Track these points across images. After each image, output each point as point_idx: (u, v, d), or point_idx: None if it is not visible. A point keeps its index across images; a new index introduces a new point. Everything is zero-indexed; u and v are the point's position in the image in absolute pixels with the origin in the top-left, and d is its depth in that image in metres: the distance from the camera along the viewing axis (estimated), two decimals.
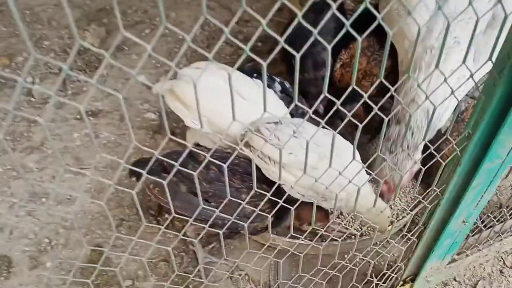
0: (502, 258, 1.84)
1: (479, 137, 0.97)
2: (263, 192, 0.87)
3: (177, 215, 1.08)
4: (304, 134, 1.54)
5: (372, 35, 1.88)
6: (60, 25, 2.78)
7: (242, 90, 1.64)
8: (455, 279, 1.77)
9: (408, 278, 1.50)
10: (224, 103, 1.70)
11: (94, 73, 2.47)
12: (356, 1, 2.69)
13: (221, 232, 0.88)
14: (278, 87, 1.73)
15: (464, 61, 0.74)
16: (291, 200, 0.96)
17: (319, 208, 1.57)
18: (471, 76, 0.78)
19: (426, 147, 0.97)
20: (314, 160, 1.46)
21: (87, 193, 1.93)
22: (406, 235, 1.29)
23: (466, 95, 2.00)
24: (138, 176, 1.56)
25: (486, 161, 1.00)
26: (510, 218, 1.61)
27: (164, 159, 0.75)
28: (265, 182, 1.52)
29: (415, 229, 1.27)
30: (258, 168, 1.55)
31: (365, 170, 0.91)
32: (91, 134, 0.63)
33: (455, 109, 1.58)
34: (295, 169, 1.51)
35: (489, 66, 0.82)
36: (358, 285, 1.42)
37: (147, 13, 2.76)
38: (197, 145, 1.79)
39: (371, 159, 0.89)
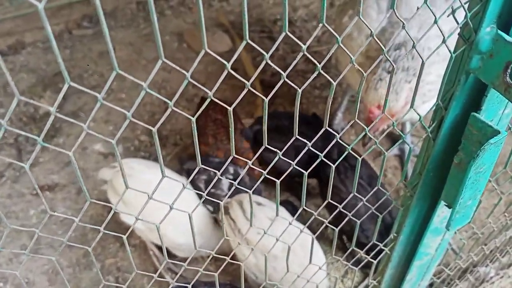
0: None
1: (404, 240, 1.05)
2: None
3: None
4: (279, 221, 1.62)
5: None
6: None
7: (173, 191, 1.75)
8: None
9: None
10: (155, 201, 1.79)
11: (50, 142, 2.47)
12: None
13: None
14: (229, 178, 1.78)
15: None
16: None
17: None
18: None
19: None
20: (279, 249, 1.48)
21: (44, 275, 1.91)
22: None
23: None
24: None
25: (416, 260, 1.07)
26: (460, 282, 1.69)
27: None
28: None
29: None
30: None
31: None
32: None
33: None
34: (258, 251, 1.57)
35: None
36: None
37: (103, 77, 2.79)
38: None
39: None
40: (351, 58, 0.62)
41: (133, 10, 3.32)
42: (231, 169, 1.85)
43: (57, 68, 2.88)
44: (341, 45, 0.60)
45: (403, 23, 0.62)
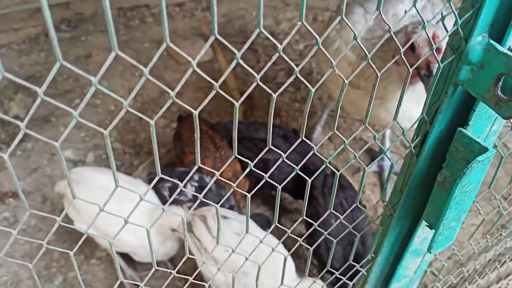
0: None
1: (382, 260, 0.99)
2: None
3: None
4: (248, 235, 1.55)
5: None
6: None
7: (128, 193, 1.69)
8: None
9: None
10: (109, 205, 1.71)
11: (19, 146, 2.36)
12: (287, 74, 2.76)
13: None
14: (193, 185, 1.73)
15: None
16: None
17: None
18: None
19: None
20: (248, 265, 1.43)
21: (3, 286, 1.79)
22: None
23: None
24: None
25: (394, 282, 1.01)
26: None
27: None
28: None
29: None
30: None
31: None
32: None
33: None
34: (227, 268, 1.49)
35: None
36: None
37: (78, 81, 2.70)
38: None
39: None
40: (332, 63, 0.57)
41: (114, 16, 3.24)
42: (196, 177, 1.79)
43: (30, 71, 2.78)
44: (321, 47, 0.55)
45: (389, 27, 0.57)
